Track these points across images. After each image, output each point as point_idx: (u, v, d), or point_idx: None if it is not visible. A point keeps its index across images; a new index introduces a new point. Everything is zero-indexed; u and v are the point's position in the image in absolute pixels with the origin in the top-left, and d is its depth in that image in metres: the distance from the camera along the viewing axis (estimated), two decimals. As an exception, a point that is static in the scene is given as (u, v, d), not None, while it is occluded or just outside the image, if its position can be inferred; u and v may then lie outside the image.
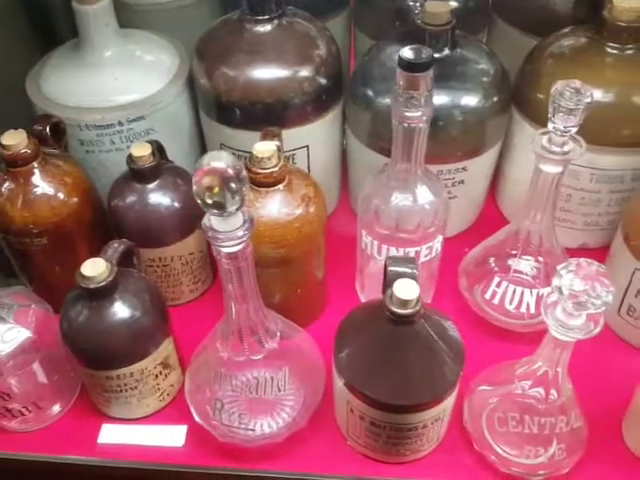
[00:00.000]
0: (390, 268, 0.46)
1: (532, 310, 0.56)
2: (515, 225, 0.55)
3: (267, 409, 0.51)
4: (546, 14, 0.69)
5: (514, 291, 0.56)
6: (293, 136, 0.61)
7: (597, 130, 0.57)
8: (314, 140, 0.63)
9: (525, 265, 0.57)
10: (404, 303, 0.43)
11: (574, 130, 0.47)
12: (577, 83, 0.46)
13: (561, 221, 0.64)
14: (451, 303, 0.62)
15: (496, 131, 0.62)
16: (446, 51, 0.59)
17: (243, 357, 0.47)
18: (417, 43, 0.57)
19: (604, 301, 0.38)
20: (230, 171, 0.35)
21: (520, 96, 0.62)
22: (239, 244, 0.39)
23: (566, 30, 0.62)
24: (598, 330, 0.40)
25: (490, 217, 0.72)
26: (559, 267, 0.39)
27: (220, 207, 0.36)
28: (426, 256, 0.55)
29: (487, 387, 0.50)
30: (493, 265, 0.59)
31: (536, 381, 0.46)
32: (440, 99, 0.58)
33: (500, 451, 0.49)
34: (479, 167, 0.63)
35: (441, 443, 0.52)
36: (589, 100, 0.45)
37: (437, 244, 0.56)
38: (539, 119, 0.59)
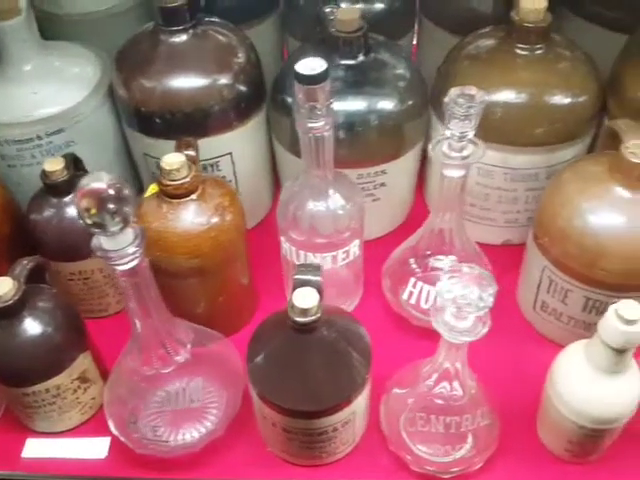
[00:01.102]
0: (295, 276, 0.47)
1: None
2: (429, 225, 0.56)
3: (187, 419, 0.52)
4: (471, 15, 0.70)
5: (429, 291, 0.57)
6: (215, 144, 0.61)
7: (509, 130, 0.59)
8: (238, 147, 0.63)
9: (442, 264, 0.59)
10: (304, 311, 0.44)
11: (471, 134, 0.48)
12: (471, 89, 0.47)
13: (483, 219, 0.66)
14: (378, 304, 0.64)
15: (414, 134, 0.63)
16: (360, 57, 0.59)
17: (153, 371, 0.48)
18: (331, 50, 0.59)
19: (485, 304, 0.39)
20: (109, 191, 0.36)
21: (436, 98, 0.63)
22: (132, 261, 0.40)
23: (481, 31, 0.63)
24: (486, 330, 0.41)
25: (420, 216, 0.72)
26: (442, 273, 0.40)
27: (101, 227, 0.36)
28: (344, 260, 0.56)
29: (399, 387, 0.51)
30: (414, 265, 0.60)
31: (439, 380, 0.47)
32: (356, 105, 0.59)
33: (416, 450, 0.51)
34: (399, 169, 0.64)
35: (359, 444, 0.53)
36: (482, 106, 0.46)
37: (354, 248, 0.56)
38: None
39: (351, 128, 0.59)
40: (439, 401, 0.48)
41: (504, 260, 0.63)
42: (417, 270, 0.59)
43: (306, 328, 0.44)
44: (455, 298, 0.39)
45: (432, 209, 0.56)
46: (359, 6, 0.67)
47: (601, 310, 0.52)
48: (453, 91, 0.46)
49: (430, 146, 0.49)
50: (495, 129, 0.59)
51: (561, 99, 0.58)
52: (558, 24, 0.76)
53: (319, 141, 0.49)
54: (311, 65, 0.46)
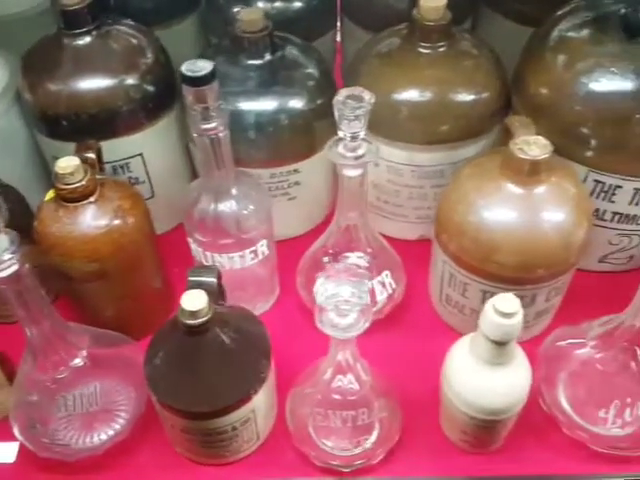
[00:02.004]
0: (189, 278, 0.47)
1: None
2: (335, 223, 0.57)
3: (97, 421, 0.52)
4: (387, 12, 0.70)
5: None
6: (124, 145, 0.61)
7: (414, 129, 0.60)
8: (148, 147, 0.63)
9: (354, 260, 0.60)
10: (193, 314, 0.44)
11: (362, 134, 0.48)
12: (358, 90, 0.47)
13: (397, 215, 0.67)
14: (295, 301, 0.64)
15: (326, 132, 0.62)
16: (267, 56, 0.60)
17: (48, 376, 0.48)
18: (238, 50, 0.59)
19: (360, 302, 0.40)
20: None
21: None
22: (9, 268, 0.40)
23: (387, 30, 0.63)
24: (368, 324, 0.42)
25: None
26: (318, 275, 0.40)
27: (-34, 237, 0.36)
28: (252, 259, 0.57)
29: (302, 383, 0.51)
30: (327, 262, 0.61)
31: (334, 374, 0.47)
32: (265, 104, 0.60)
33: (321, 445, 0.51)
34: (312, 168, 0.64)
35: (265, 442, 0.54)
36: (369, 107, 0.47)
37: (262, 247, 0.57)
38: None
39: (261, 128, 0.60)
40: (336, 396, 0.48)
41: (419, 255, 0.64)
42: (329, 266, 0.60)
43: (197, 330, 0.44)
44: (330, 297, 0.40)
45: (336, 207, 0.56)
46: (265, 5, 0.67)
47: (499, 303, 0.54)
48: (341, 92, 0.47)
49: (326, 147, 0.50)
50: (400, 128, 0.60)
51: (464, 96, 0.59)
52: (477, 21, 0.79)
53: (215, 142, 0.50)
54: (197, 67, 0.46)
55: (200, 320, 0.44)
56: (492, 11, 0.74)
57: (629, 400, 0.49)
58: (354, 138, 0.48)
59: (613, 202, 0.57)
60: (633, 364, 0.49)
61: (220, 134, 0.49)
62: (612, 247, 0.61)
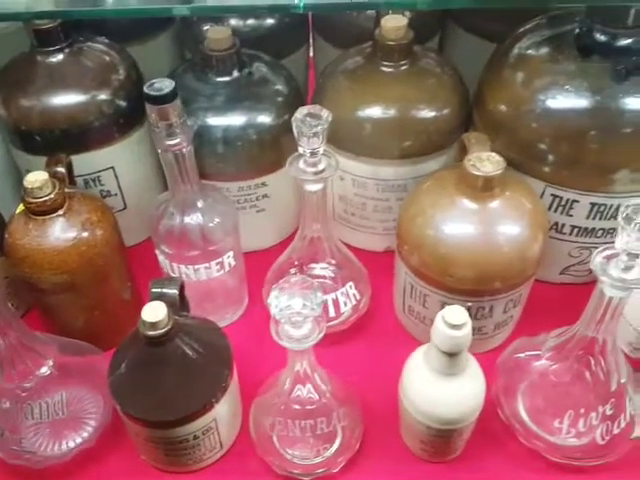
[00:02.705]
0: (151, 290, 0.48)
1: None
2: (300, 235, 0.58)
3: (66, 429, 0.53)
4: (356, 30, 0.71)
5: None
6: (95, 158, 0.63)
7: (378, 144, 0.62)
8: (120, 161, 0.64)
9: (319, 271, 0.61)
10: (153, 325, 0.45)
11: (322, 150, 0.50)
12: (316, 108, 0.49)
13: (364, 227, 0.68)
14: (263, 312, 0.65)
15: (293, 147, 0.64)
16: (235, 73, 0.62)
17: (15, 385, 0.49)
18: (207, 68, 0.61)
19: (312, 313, 0.41)
20: None
21: None
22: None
23: (353, 49, 0.65)
24: (322, 335, 0.43)
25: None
26: (273, 287, 0.42)
27: None
28: (218, 271, 0.58)
29: (264, 393, 0.53)
30: (293, 273, 0.62)
31: (293, 384, 0.49)
32: (234, 119, 0.61)
33: (284, 454, 0.52)
34: (280, 181, 0.65)
35: (229, 450, 0.55)
36: (327, 125, 0.48)
37: (229, 259, 0.58)
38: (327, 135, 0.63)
39: (229, 142, 0.61)
40: (296, 406, 0.50)
41: (385, 266, 0.65)
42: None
43: (157, 341, 0.45)
44: (284, 309, 0.41)
45: (300, 220, 0.58)
46: (238, 22, 0.69)
47: (458, 314, 0.55)
48: (300, 110, 0.49)
49: (288, 161, 0.52)
50: (365, 143, 0.62)
51: (425, 113, 0.60)
52: (445, 37, 0.81)
53: (179, 157, 0.51)
54: (160, 86, 0.48)
55: (160, 331, 0.45)
56: (459, 28, 0.76)
57: (582, 410, 0.50)
58: (314, 154, 0.50)
59: (571, 216, 0.59)
60: (587, 374, 0.50)
61: (184, 149, 0.51)
62: (573, 259, 0.63)
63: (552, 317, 0.58)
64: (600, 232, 0.59)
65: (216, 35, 0.59)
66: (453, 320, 0.43)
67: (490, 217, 0.52)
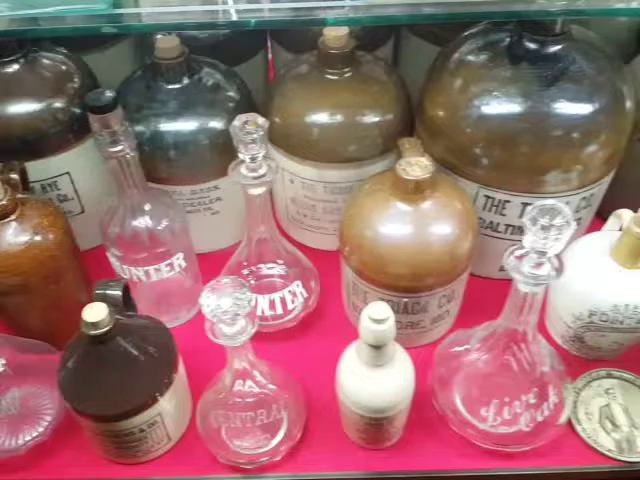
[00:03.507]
0: (95, 291, 0.51)
1: (268, 312, 0.62)
2: (249, 237, 0.61)
3: (24, 424, 0.56)
4: (307, 37, 0.72)
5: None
6: (50, 164, 0.65)
7: (324, 149, 0.64)
8: (75, 166, 0.66)
9: (266, 271, 0.64)
10: (94, 325, 0.48)
11: (261, 155, 0.52)
12: (253, 115, 0.51)
13: (316, 228, 0.71)
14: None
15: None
16: (185, 80, 0.64)
17: (-33, 383, 0.51)
18: (157, 76, 0.63)
19: (241, 311, 0.43)
20: None
21: (264, 116, 0.66)
22: None
23: (301, 56, 0.68)
24: (254, 330, 0.46)
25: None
26: (204, 287, 0.44)
27: None
28: (169, 272, 0.61)
29: (210, 389, 0.55)
30: (247, 273, 0.65)
31: (234, 379, 0.51)
32: (183, 125, 0.63)
33: (230, 445, 0.55)
34: (232, 185, 0.67)
35: (178, 442, 0.57)
36: (263, 132, 0.51)
37: (178, 261, 0.61)
38: (274, 139, 0.65)
39: (180, 147, 0.64)
40: (237, 399, 0.52)
41: (338, 265, 0.68)
42: (250, 279, 0.64)
43: (99, 340, 0.48)
44: (214, 309, 0.44)
45: (246, 223, 0.60)
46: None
47: (395, 309, 0.58)
48: (238, 119, 0.51)
49: (230, 168, 0.54)
50: (311, 148, 0.64)
51: (368, 118, 0.63)
52: (399, 43, 0.83)
53: (123, 164, 0.54)
54: (100, 96, 0.50)
55: (101, 330, 0.47)
56: (411, 34, 0.78)
57: (507, 399, 0.53)
58: (253, 160, 0.53)
59: (504, 215, 0.62)
60: (512, 365, 0.53)
61: (128, 156, 0.53)
62: (509, 257, 0.66)
63: (492, 311, 0.61)
64: (533, 230, 0.62)
65: (164, 44, 0.61)
66: (376, 315, 0.46)
67: (422, 218, 0.55)
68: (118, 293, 0.50)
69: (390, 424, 0.53)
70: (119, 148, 0.52)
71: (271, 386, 0.53)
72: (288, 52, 0.77)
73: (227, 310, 0.43)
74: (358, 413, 0.51)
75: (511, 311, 0.49)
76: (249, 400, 0.52)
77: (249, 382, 0.52)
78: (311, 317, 0.66)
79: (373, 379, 0.49)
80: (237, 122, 0.51)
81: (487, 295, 0.68)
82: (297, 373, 0.60)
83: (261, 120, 0.51)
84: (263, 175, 0.54)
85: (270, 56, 0.85)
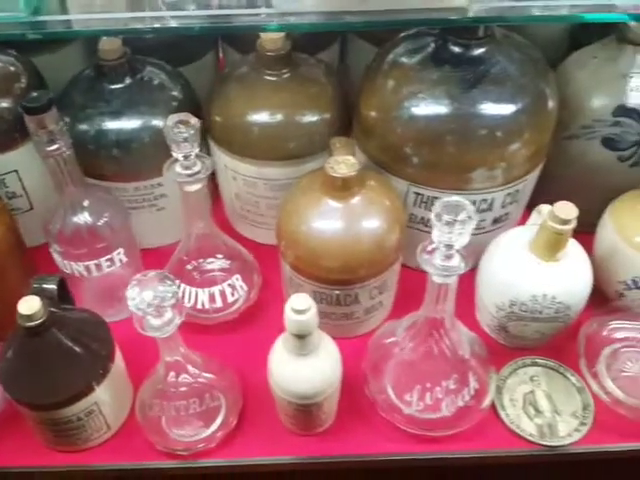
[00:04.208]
0: (32, 285, 0.53)
1: (208, 305, 0.64)
2: (187, 233, 0.63)
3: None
4: (252, 37, 0.75)
5: (191, 291, 0.64)
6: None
7: (263, 147, 0.66)
8: (23, 164, 0.67)
9: (206, 266, 0.66)
10: (28, 317, 0.50)
11: (194, 153, 0.54)
12: (185, 115, 0.53)
13: (261, 223, 0.73)
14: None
15: None
16: (128, 80, 0.66)
17: None
18: (101, 76, 0.65)
19: (167, 302, 0.46)
20: None
21: (207, 115, 0.68)
22: None
23: (243, 58, 0.70)
24: (180, 321, 0.48)
25: (220, 223, 0.79)
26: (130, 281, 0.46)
27: None
28: (109, 267, 0.62)
29: (148, 379, 0.57)
30: (191, 268, 0.67)
31: (167, 371, 0.53)
32: (125, 124, 0.65)
33: (169, 433, 0.57)
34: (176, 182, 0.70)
35: (119, 431, 0.59)
36: (194, 131, 0.53)
37: (119, 256, 0.63)
38: (216, 137, 0.68)
39: (123, 146, 0.66)
40: (171, 389, 0.55)
41: (281, 259, 0.71)
42: (194, 273, 0.66)
43: (33, 331, 0.50)
44: (139, 302, 0.46)
45: (183, 219, 0.62)
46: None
47: (328, 301, 0.61)
48: (170, 119, 0.53)
49: (165, 166, 0.56)
50: (251, 146, 0.66)
51: (306, 117, 0.65)
52: (345, 45, 0.85)
53: (60, 162, 0.56)
54: (36, 97, 0.52)
55: (35, 322, 0.49)
56: (356, 37, 0.81)
57: (429, 385, 0.56)
58: (187, 158, 0.55)
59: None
60: (433, 352, 0.55)
61: (64, 154, 0.55)
62: (443, 250, 0.69)
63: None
64: (462, 225, 0.65)
65: (107, 46, 0.63)
66: (298, 306, 0.48)
67: (351, 213, 0.57)
68: (53, 287, 0.52)
69: (319, 410, 0.55)
70: (55, 147, 0.54)
71: (206, 375, 0.56)
72: (237, 52, 0.79)
73: (151, 303, 0.45)
74: (287, 400, 0.54)
75: (429, 301, 0.52)
76: (182, 390, 0.54)
77: (182, 373, 0.54)
78: (252, 310, 0.68)
79: (299, 367, 0.52)
80: (169, 122, 0.53)
81: (421, 286, 0.71)
82: (236, 363, 0.63)
83: (193, 120, 0.53)
84: (198, 172, 0.56)
85: (221, 56, 0.87)
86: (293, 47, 0.67)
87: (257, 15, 0.45)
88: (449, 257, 0.48)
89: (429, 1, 0.41)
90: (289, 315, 0.49)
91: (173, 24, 0.45)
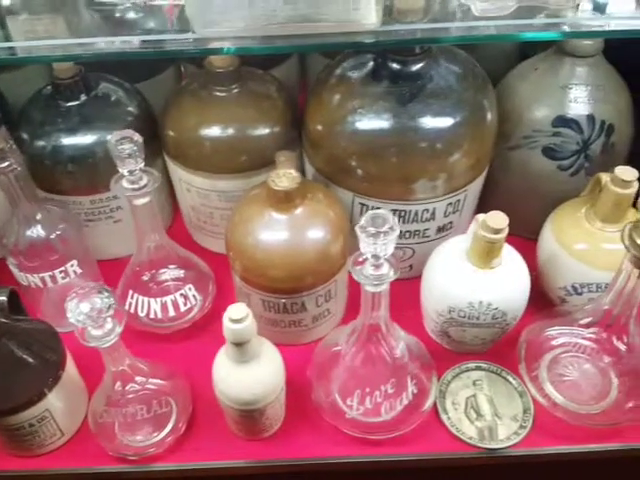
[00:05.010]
0: (-22, 295, 0.55)
1: (160, 315, 0.66)
2: (140, 244, 0.65)
3: None
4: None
5: (143, 300, 0.66)
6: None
7: (216, 161, 0.68)
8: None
9: (163, 275, 0.67)
10: (-25, 327, 0.52)
11: (139, 168, 0.56)
12: (129, 132, 0.55)
13: (217, 234, 0.75)
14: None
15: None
16: (82, 97, 0.68)
17: None
18: (56, 94, 0.67)
19: (104, 315, 0.48)
20: None
21: (162, 129, 0.70)
22: None
23: (196, 73, 0.72)
24: (121, 329, 0.50)
25: (179, 234, 0.80)
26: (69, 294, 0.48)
27: None
28: (63, 279, 0.64)
29: (99, 386, 0.59)
30: (147, 279, 0.69)
31: (115, 379, 0.55)
32: (81, 139, 0.68)
33: (121, 439, 0.59)
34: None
35: (73, 437, 0.61)
36: (137, 147, 0.55)
37: (73, 267, 0.65)
38: (169, 151, 0.70)
39: (78, 161, 0.68)
40: (117, 397, 0.56)
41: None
42: (150, 284, 0.68)
43: (-20, 341, 0.52)
44: (77, 314, 0.48)
45: (135, 232, 0.64)
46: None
47: (276, 309, 0.63)
48: (113, 135, 0.55)
49: (112, 182, 0.58)
50: (204, 160, 0.68)
51: (256, 132, 0.67)
52: (302, 58, 0.87)
53: (12, 178, 0.58)
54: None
55: (-20, 332, 0.52)
56: (317, 54, 0.83)
57: (368, 390, 0.58)
58: (132, 173, 0.57)
59: (380, 221, 0.66)
60: (373, 358, 0.57)
61: (15, 171, 0.57)
62: (392, 259, 0.71)
63: None
64: (407, 234, 0.67)
65: (60, 65, 0.65)
66: (234, 315, 0.51)
67: (294, 224, 0.59)
68: (3, 299, 0.54)
69: (262, 416, 0.57)
70: (6, 164, 0.56)
71: (154, 382, 0.58)
72: (196, 67, 0.81)
73: (89, 314, 0.47)
74: (230, 406, 0.56)
75: (365, 309, 0.54)
76: (130, 397, 0.56)
77: (129, 382, 0.56)
78: (208, 318, 0.70)
79: (239, 374, 0.54)
80: (112, 139, 0.55)
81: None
82: (189, 371, 0.65)
83: (136, 136, 0.55)
84: (144, 186, 0.58)
85: (183, 70, 0.89)
86: (247, 62, 0.70)
87: (185, 40, 0.47)
88: (378, 266, 0.50)
89: (340, 25, 0.43)
90: (226, 324, 0.51)
91: (105, 49, 0.47)
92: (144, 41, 0.46)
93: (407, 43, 0.56)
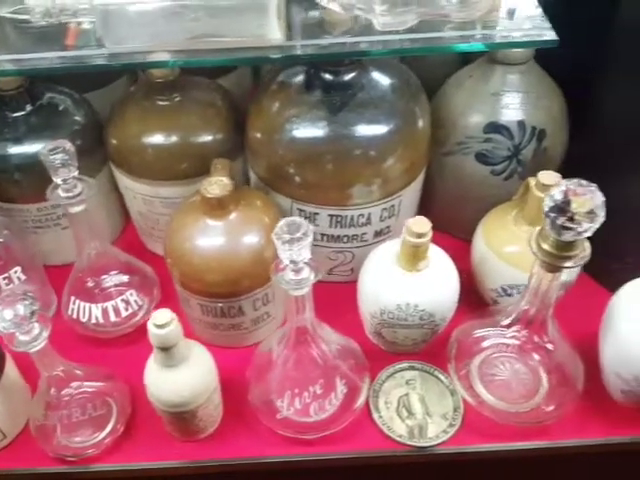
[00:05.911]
0: None
1: (101, 320, 0.68)
2: (81, 251, 0.66)
3: None
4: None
5: (85, 306, 0.67)
6: None
7: (159, 168, 0.70)
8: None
9: (107, 282, 0.69)
10: None
11: (73, 176, 0.57)
12: (61, 142, 0.57)
13: (161, 238, 0.77)
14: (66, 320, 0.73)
15: (87, 170, 0.67)
16: (28, 107, 0.69)
17: None
18: (2, 105, 0.68)
19: (26, 321, 0.49)
20: None
21: (106, 137, 0.72)
22: None
23: (139, 83, 0.74)
24: (46, 334, 0.52)
25: (130, 242, 0.82)
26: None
27: None
28: (7, 285, 0.66)
29: (38, 391, 0.61)
30: (92, 285, 0.70)
31: (49, 382, 0.57)
32: (27, 148, 0.68)
33: (61, 440, 0.60)
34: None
35: (16, 439, 0.62)
36: (68, 156, 0.56)
37: (17, 274, 0.66)
38: (113, 158, 0.71)
39: (23, 169, 0.69)
40: (52, 399, 0.58)
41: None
42: (96, 290, 0.69)
43: None
44: (1, 320, 0.49)
45: (75, 240, 0.66)
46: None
47: (214, 313, 0.64)
48: (46, 145, 0.57)
49: (48, 192, 0.60)
50: (146, 167, 0.70)
51: (198, 139, 0.69)
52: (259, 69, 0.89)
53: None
54: None
55: None
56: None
57: (297, 391, 0.59)
58: (66, 181, 0.58)
59: (317, 225, 0.68)
60: (304, 360, 0.59)
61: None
62: (333, 262, 0.72)
63: (321, 311, 0.66)
64: (345, 238, 0.69)
65: (3, 78, 0.67)
66: (158, 321, 0.52)
67: (229, 230, 0.61)
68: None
69: (194, 418, 0.58)
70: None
71: (91, 385, 0.60)
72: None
73: (12, 321, 0.49)
74: (161, 408, 0.57)
75: (291, 312, 0.56)
76: (66, 400, 0.58)
77: (63, 386, 0.57)
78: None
79: (167, 378, 0.56)
80: (43, 149, 0.57)
81: (317, 297, 0.75)
82: (130, 374, 0.66)
83: (68, 145, 0.57)
84: (79, 194, 0.60)
85: (140, 78, 0.91)
86: (195, 71, 0.72)
87: (100, 55, 0.48)
88: (298, 271, 0.51)
89: (246, 41, 0.45)
90: (151, 329, 0.52)
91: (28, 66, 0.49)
92: (62, 57, 0.48)
93: (314, 58, 0.57)
